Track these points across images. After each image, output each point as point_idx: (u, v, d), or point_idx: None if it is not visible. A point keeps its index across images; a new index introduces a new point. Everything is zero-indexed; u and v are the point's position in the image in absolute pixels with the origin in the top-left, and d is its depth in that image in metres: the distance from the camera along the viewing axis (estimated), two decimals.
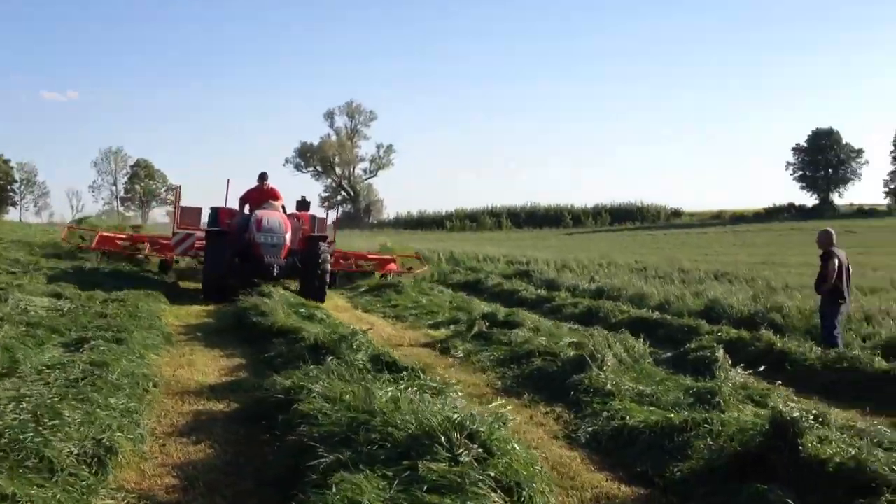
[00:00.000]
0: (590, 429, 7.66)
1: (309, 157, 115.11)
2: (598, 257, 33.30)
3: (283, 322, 11.76)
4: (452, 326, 13.85)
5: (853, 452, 5.68)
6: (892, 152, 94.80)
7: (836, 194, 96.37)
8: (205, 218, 20.85)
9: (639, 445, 7.00)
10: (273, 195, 19.11)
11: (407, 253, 27.54)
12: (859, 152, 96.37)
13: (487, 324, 12.75)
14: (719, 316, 15.49)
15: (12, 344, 9.31)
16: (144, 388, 8.22)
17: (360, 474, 4.97)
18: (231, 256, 17.25)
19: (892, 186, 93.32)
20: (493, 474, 4.98)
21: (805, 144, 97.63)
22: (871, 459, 5.54)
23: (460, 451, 5.25)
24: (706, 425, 6.82)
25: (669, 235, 73.00)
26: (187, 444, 6.83)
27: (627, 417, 7.63)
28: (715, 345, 10.77)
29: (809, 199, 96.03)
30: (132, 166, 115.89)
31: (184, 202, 21.24)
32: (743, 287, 20.78)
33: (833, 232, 12.25)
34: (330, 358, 8.63)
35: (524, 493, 4.97)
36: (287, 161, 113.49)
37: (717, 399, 8.19)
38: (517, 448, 5.47)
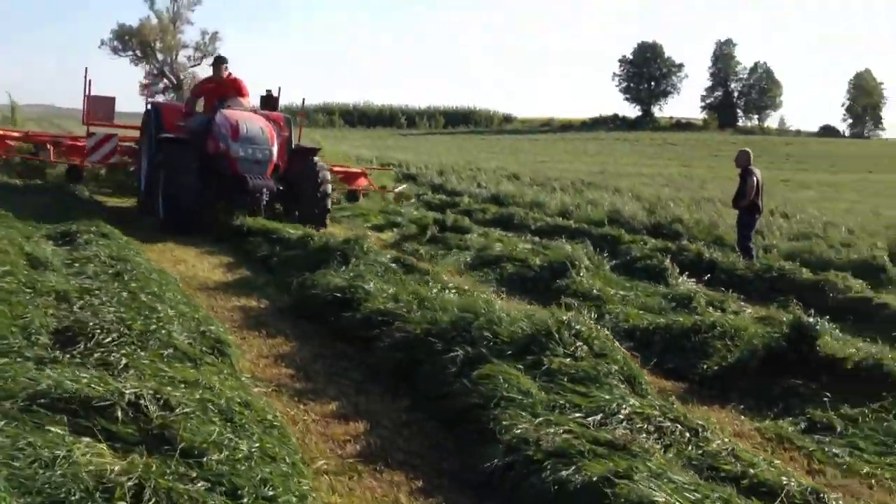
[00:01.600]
0: None
1: (127, 41, 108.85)
2: (463, 162, 34.21)
3: (252, 223, 11.98)
4: (395, 230, 14.38)
5: (873, 352, 6.81)
6: (709, 68, 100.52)
7: (657, 107, 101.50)
8: (119, 108, 17.75)
9: (656, 345, 7.85)
10: (238, 89, 14.53)
11: (379, 166, 25.35)
12: (680, 67, 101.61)
13: (438, 228, 13.38)
14: (625, 225, 16.71)
15: (8, 234, 9.16)
16: (173, 283, 8.39)
17: (500, 365, 5.61)
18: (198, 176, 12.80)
19: (709, 101, 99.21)
20: (615, 368, 5.75)
21: (631, 57, 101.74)
22: (888, 358, 6.69)
23: (572, 348, 5.98)
24: (718, 328, 7.77)
25: (503, 140, 75.17)
26: (264, 337, 7.23)
27: (630, 320, 8.52)
28: (659, 255, 11.91)
29: (633, 111, 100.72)
30: None
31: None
32: (620, 197, 22.30)
33: (751, 152, 13.59)
34: (353, 259, 9.06)
35: (640, 384, 5.78)
36: (103, 43, 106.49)
37: (693, 304, 9.26)
38: (618, 345, 6.25)
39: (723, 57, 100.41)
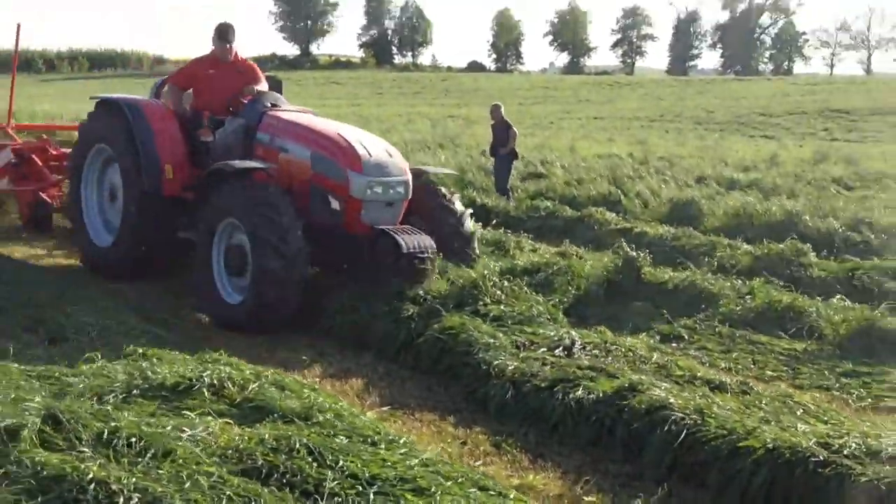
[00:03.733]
0: None
1: None
2: None
3: None
4: None
5: (686, 276, 8.73)
6: (364, 7, 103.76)
7: (316, 45, 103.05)
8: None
9: None
10: (255, 77, 9.07)
11: None
12: (335, 6, 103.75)
13: None
14: None
15: None
16: None
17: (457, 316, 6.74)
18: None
19: (365, 40, 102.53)
20: (541, 309, 7.12)
21: None
22: (701, 280, 8.63)
23: (496, 296, 7.26)
24: (555, 266, 9.26)
25: None
26: None
27: None
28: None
29: (291, 50, 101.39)
30: None
31: None
32: None
33: (501, 105, 15.39)
34: None
35: (558, 319, 7.17)
36: None
37: (507, 246, 10.78)
38: (527, 290, 7.57)
39: None
